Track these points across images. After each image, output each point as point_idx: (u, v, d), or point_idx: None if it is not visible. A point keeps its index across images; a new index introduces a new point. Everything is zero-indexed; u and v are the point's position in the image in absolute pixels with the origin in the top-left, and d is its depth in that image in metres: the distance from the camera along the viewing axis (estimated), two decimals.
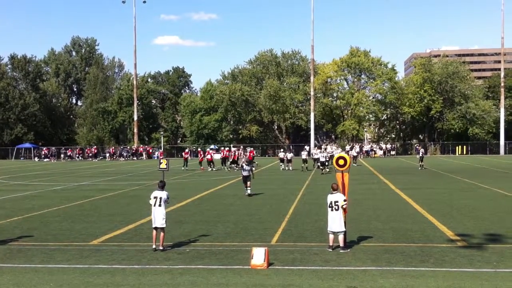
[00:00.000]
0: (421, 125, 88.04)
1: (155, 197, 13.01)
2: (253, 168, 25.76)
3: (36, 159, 77.98)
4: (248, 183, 24.59)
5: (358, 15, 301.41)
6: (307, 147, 75.75)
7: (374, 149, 74.35)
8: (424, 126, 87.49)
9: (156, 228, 12.83)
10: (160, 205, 12.90)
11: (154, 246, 12.69)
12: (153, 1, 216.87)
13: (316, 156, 45.43)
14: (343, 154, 14.27)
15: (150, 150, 79.91)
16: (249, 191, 24.46)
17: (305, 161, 44.22)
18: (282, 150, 51.24)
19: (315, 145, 76.66)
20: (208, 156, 46.17)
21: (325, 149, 49.93)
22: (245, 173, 24.86)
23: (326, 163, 39.68)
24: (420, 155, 46.03)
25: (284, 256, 11.94)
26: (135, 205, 21.82)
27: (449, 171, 40.71)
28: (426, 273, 10.45)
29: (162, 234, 12.75)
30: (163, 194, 13.00)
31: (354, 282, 9.93)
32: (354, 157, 51.55)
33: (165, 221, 12.90)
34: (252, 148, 55.07)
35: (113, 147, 80.00)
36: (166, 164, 14.67)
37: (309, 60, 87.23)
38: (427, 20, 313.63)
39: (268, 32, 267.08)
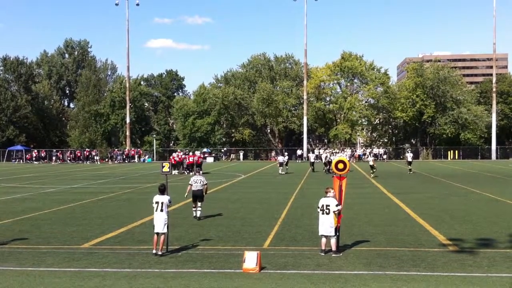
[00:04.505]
0: (413, 129, 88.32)
1: (157, 202, 12.88)
2: (206, 184, 18.70)
3: (20, 161, 77.70)
4: (199, 202, 18.38)
5: (351, 19, 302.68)
6: (299, 151, 76.20)
7: (371, 153, 74.23)
8: (416, 130, 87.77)
9: (157, 233, 12.73)
10: (162, 210, 12.77)
11: (154, 251, 12.58)
12: (146, 4, 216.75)
13: (312, 160, 47.90)
14: (343, 157, 14.28)
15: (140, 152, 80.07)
16: (198, 214, 18.34)
17: (313, 164, 47.19)
18: (286, 154, 50.89)
19: (308, 149, 76.81)
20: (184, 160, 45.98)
21: (336, 152, 50.23)
22: (196, 188, 18.41)
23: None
24: (409, 159, 46.15)
25: (276, 260, 11.93)
26: (127, 208, 21.77)
27: (441, 175, 40.84)
28: (418, 277, 10.47)
29: (162, 238, 12.66)
30: (164, 199, 12.89)
31: (346, 286, 9.93)
32: None
33: (167, 227, 12.76)
34: (198, 153, 49.15)
35: (96, 150, 79.65)
36: (169, 168, 14.43)
37: (302, 64, 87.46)
38: (419, 25, 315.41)
39: (262, 36, 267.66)
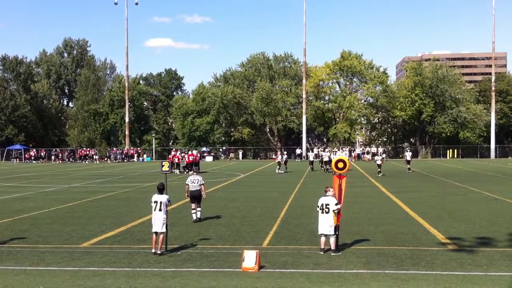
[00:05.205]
0: (413, 128, 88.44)
1: (155, 202, 12.83)
2: (203, 184, 17.81)
3: (17, 160, 77.77)
4: (197, 203, 17.63)
5: (351, 18, 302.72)
6: (298, 150, 76.19)
7: (378, 152, 73.94)
8: (416, 129, 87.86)
9: (156, 233, 12.71)
10: (160, 210, 12.71)
11: (153, 250, 12.58)
12: (145, 4, 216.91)
13: (312, 159, 49.09)
14: (343, 156, 14.26)
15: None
16: (198, 215, 17.61)
17: (312, 162, 48.15)
18: (286, 153, 51.52)
19: (307, 148, 76.83)
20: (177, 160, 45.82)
21: (335, 152, 50.90)
22: (193, 188, 17.70)
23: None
24: (408, 158, 46.17)
25: (275, 259, 11.92)
26: (126, 207, 21.75)
27: (440, 174, 40.86)
28: (417, 276, 10.47)
29: (161, 237, 12.63)
30: (163, 198, 12.83)
31: (345, 285, 9.93)
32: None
33: (165, 226, 12.72)
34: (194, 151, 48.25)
35: (95, 149, 79.67)
36: (168, 167, 14.38)
37: (301, 63, 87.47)
38: (419, 24, 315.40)
39: (261, 35, 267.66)
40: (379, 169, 40.12)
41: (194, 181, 17.69)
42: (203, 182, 17.89)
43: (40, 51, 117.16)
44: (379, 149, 74.52)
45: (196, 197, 17.55)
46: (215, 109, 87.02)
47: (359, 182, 33.44)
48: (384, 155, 73.32)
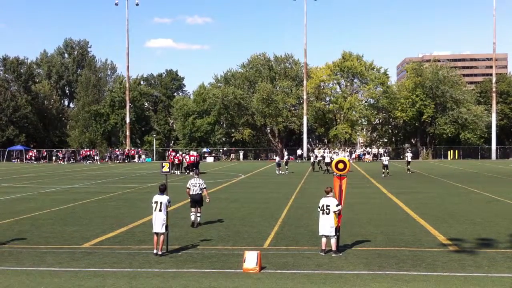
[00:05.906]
0: (413, 129, 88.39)
1: (156, 202, 12.84)
2: (205, 187, 17.16)
3: (18, 160, 77.78)
4: (198, 208, 16.87)
5: (351, 19, 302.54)
6: (299, 151, 76.18)
7: (386, 153, 73.70)
8: (416, 130, 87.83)
9: (157, 233, 12.71)
10: (160, 210, 12.72)
11: (155, 251, 12.59)
12: (146, 4, 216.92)
13: (313, 160, 49.31)
14: (343, 157, 14.28)
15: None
16: (197, 220, 16.86)
17: (314, 163, 48.32)
18: (287, 154, 51.86)
19: (308, 149, 76.83)
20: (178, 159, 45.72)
21: (336, 152, 51.37)
22: (194, 192, 17.01)
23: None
24: (408, 159, 46.17)
25: (276, 260, 11.92)
26: (127, 208, 21.76)
27: (441, 175, 40.85)
28: (418, 277, 10.47)
29: (161, 238, 12.64)
30: (163, 199, 12.84)
31: (346, 286, 9.93)
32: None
33: (165, 227, 12.71)
34: (194, 152, 48.23)
35: (96, 150, 79.71)
36: (168, 168, 14.39)
37: (302, 63, 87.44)
38: (419, 25, 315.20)
39: (262, 36, 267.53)
40: (387, 170, 39.97)
41: (195, 184, 17.04)
42: (205, 186, 17.20)
43: (41, 52, 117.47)
44: (380, 150, 74.49)
45: (197, 201, 16.83)
46: (215, 110, 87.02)
47: (360, 183, 33.43)
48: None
